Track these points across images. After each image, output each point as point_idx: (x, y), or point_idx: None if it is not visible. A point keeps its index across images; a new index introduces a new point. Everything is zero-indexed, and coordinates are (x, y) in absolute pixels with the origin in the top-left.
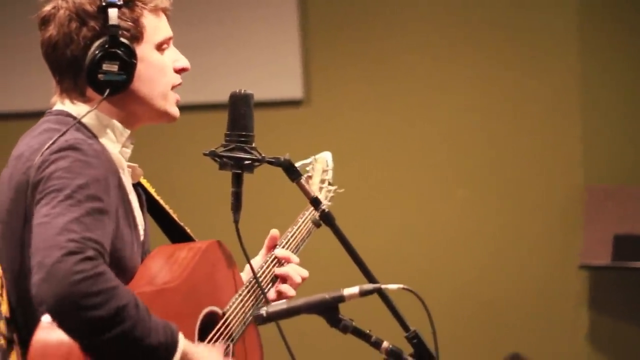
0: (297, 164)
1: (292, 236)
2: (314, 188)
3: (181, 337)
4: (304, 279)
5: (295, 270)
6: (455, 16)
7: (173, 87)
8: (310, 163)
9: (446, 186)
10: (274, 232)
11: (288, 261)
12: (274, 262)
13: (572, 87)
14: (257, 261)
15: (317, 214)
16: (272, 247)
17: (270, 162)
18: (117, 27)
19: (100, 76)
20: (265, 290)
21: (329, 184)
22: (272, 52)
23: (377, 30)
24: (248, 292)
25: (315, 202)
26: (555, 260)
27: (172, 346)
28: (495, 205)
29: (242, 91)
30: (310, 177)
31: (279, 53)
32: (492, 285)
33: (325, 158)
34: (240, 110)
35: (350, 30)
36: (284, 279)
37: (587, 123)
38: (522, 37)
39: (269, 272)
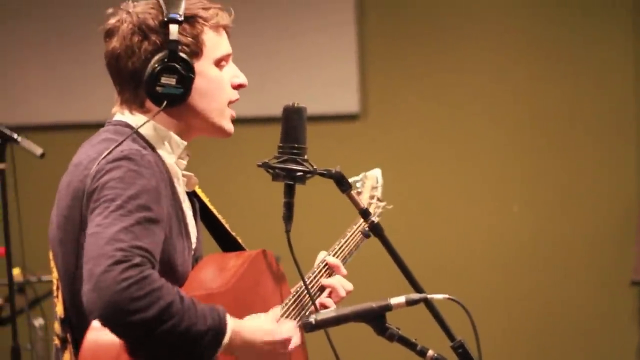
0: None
1: (339, 248)
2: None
3: (229, 317)
4: (348, 293)
5: (341, 283)
6: (512, 31)
7: (230, 103)
8: (360, 179)
9: (501, 201)
10: (324, 254)
11: (337, 271)
12: (324, 269)
13: (627, 100)
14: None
15: (366, 226)
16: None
17: (321, 174)
18: (177, 42)
19: (159, 89)
20: (310, 300)
21: (378, 200)
22: (329, 66)
23: (435, 44)
24: (295, 300)
25: (365, 214)
26: (607, 276)
27: (222, 328)
28: (549, 221)
29: (295, 104)
30: (359, 192)
31: (336, 67)
32: (544, 300)
33: (375, 175)
34: (292, 123)
35: (407, 44)
36: (329, 290)
37: None
38: (578, 53)
39: (316, 281)
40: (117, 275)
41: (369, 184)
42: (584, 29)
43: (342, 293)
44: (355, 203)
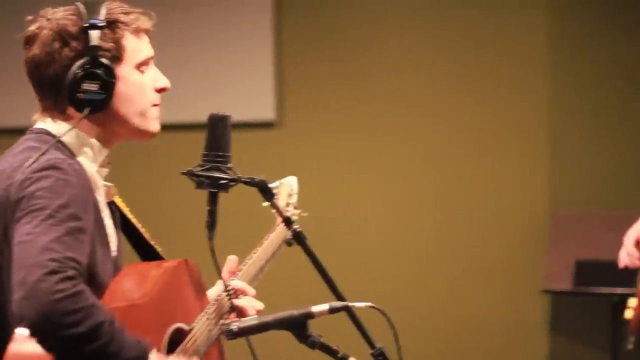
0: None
1: (252, 263)
2: None
3: (153, 352)
4: (258, 312)
5: (251, 304)
6: (427, 40)
7: (153, 106)
8: (276, 187)
9: (414, 210)
10: (232, 258)
11: (244, 293)
12: (231, 292)
13: (539, 114)
14: (214, 290)
15: (289, 234)
16: (231, 273)
17: (245, 182)
18: (97, 47)
19: (80, 95)
20: (227, 314)
21: (294, 207)
22: (245, 74)
23: (350, 52)
24: (214, 309)
25: (288, 222)
26: (518, 285)
27: None
28: (462, 229)
29: (220, 113)
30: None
31: (253, 75)
32: (456, 308)
33: (290, 183)
34: (218, 131)
35: (324, 52)
36: (240, 311)
37: (553, 149)
38: (492, 63)
39: (227, 304)
40: (52, 286)
41: (285, 192)
42: (498, 34)
43: (252, 312)
44: (279, 212)
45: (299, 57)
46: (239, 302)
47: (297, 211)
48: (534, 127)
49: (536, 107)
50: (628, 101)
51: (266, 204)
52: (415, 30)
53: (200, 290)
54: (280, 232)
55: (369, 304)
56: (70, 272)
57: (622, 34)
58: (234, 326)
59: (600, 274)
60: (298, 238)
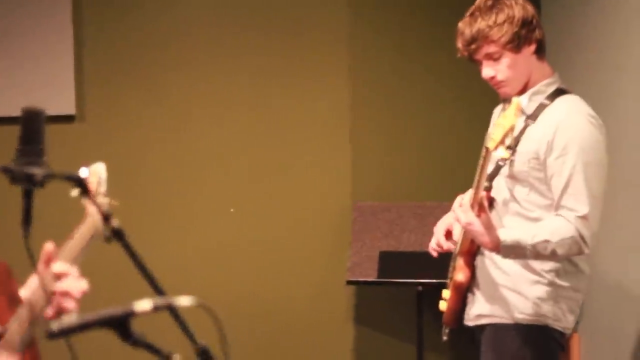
0: (66, 174)
1: (69, 250)
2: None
3: None
4: (83, 293)
5: (75, 285)
6: (230, 36)
7: None
8: (85, 176)
9: (221, 203)
10: (49, 246)
11: (65, 275)
12: (53, 277)
13: (342, 110)
14: (32, 280)
15: (107, 230)
16: (48, 261)
17: (62, 177)
18: None
19: None
20: (46, 306)
21: (103, 195)
22: (45, 67)
23: (151, 46)
24: (28, 309)
25: (107, 218)
26: (324, 277)
27: None
28: (266, 223)
29: (35, 107)
30: None
31: (53, 68)
32: (262, 301)
33: (98, 170)
34: (32, 126)
35: (123, 46)
36: (63, 295)
37: (355, 143)
38: (296, 60)
39: (48, 289)
40: None
41: (94, 180)
42: (301, 42)
43: (77, 294)
44: (97, 207)
45: (100, 51)
46: (62, 285)
47: (108, 200)
48: (337, 124)
49: (339, 105)
50: (426, 99)
51: (75, 193)
52: (217, 25)
53: (12, 290)
54: (90, 222)
55: (194, 301)
56: None
57: (419, 36)
58: (54, 326)
59: (404, 264)
60: (117, 235)
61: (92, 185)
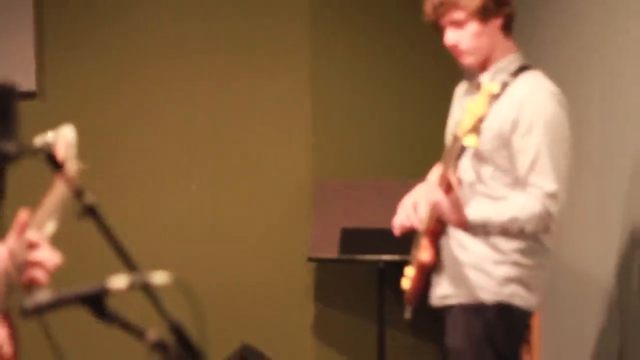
0: (37, 138)
1: (41, 219)
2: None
3: None
4: (57, 266)
5: (49, 257)
6: (193, 17)
7: None
8: (52, 137)
9: (181, 180)
10: (23, 213)
11: (39, 246)
12: (26, 247)
13: (303, 86)
14: (7, 247)
15: (81, 207)
16: (22, 230)
17: (33, 153)
18: None
19: None
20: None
21: (73, 159)
22: (5, 43)
23: (112, 22)
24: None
25: (80, 194)
26: (284, 253)
27: None
28: (228, 201)
29: (8, 81)
30: None
31: (12, 45)
32: (223, 276)
33: (67, 133)
34: (5, 102)
35: (84, 23)
36: (35, 266)
37: (316, 119)
38: (257, 38)
39: (21, 259)
40: None
41: (62, 143)
42: (263, 21)
43: (51, 266)
44: (70, 183)
45: (61, 27)
46: (36, 255)
47: (77, 163)
48: (299, 100)
49: (300, 81)
50: (388, 76)
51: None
52: (179, 3)
53: None
54: (59, 188)
55: (170, 278)
56: None
57: (380, 13)
58: (27, 304)
59: (366, 241)
60: (90, 211)
61: (61, 149)
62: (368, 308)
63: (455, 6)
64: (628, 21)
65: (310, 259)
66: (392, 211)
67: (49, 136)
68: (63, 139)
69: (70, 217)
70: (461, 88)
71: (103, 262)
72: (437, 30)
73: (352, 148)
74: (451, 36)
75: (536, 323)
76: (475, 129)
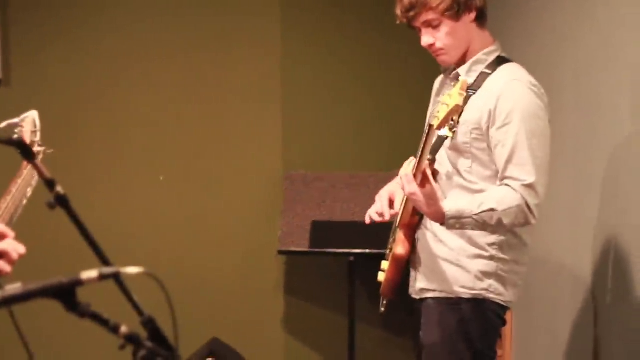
0: (3, 124)
1: (6, 208)
2: None
3: None
4: (20, 256)
5: (12, 246)
6: (158, 6)
7: None
8: (17, 124)
9: (149, 172)
10: None
11: (4, 236)
12: None
13: (273, 78)
14: None
15: (51, 196)
16: None
17: (3, 142)
18: None
19: None
20: None
21: (39, 145)
22: None
23: (78, 9)
24: None
25: (51, 184)
26: (255, 246)
27: None
28: (196, 192)
29: None
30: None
31: None
32: (193, 269)
33: (32, 118)
34: None
35: (50, 10)
36: (0, 255)
37: (287, 113)
38: (228, 32)
39: None
40: None
41: (28, 128)
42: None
43: (15, 256)
44: (40, 172)
45: (25, 14)
46: (1, 245)
47: (42, 148)
48: (269, 92)
49: (270, 73)
50: (359, 69)
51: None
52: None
53: None
54: (27, 176)
55: (142, 269)
56: None
57: (352, 4)
58: None
59: (336, 234)
60: (61, 202)
61: (27, 134)
62: (339, 301)
63: (425, 8)
64: (597, 6)
65: (280, 252)
66: (363, 204)
67: (14, 121)
68: (29, 123)
69: (41, 206)
70: (439, 81)
71: (74, 255)
72: (411, 29)
73: (322, 142)
74: (426, 38)
75: (508, 317)
76: (449, 119)
